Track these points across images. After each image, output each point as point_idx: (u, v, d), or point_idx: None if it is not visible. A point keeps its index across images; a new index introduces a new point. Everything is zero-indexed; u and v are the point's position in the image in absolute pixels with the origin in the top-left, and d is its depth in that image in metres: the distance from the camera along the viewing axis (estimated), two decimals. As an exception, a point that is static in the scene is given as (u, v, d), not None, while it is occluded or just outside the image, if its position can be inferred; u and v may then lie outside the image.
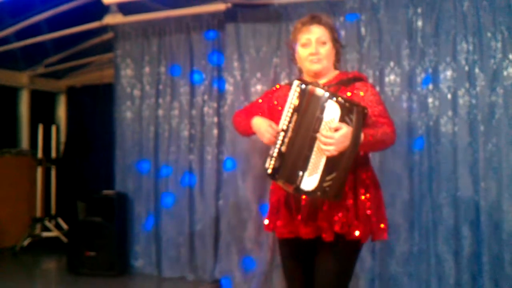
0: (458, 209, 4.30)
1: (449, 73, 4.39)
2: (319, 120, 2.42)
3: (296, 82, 2.55)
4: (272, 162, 2.54)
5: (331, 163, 2.42)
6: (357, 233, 2.59)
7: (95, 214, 5.60)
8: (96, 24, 5.72)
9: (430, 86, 4.45)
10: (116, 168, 5.80)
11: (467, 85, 4.33)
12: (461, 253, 4.28)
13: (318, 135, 2.42)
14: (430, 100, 4.45)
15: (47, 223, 6.94)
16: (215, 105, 5.40)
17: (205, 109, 5.44)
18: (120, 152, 5.79)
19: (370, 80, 4.64)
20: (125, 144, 5.75)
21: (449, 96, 4.39)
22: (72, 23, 5.87)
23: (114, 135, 5.86)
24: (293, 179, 2.49)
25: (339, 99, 2.42)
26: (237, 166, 5.05)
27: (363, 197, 2.65)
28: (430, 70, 4.46)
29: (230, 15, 5.15)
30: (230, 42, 5.14)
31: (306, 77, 2.84)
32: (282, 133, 2.54)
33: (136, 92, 5.71)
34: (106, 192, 5.68)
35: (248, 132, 2.87)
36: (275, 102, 2.86)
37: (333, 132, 2.39)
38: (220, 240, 5.21)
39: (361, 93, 2.66)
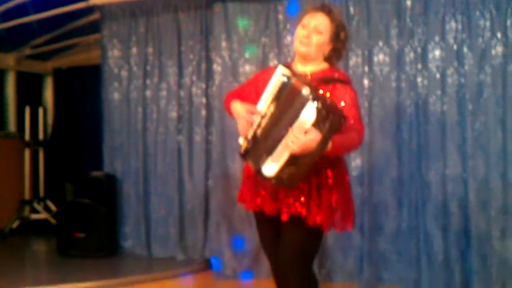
0: (446, 186, 4.34)
1: (437, 52, 4.40)
2: (296, 116, 2.45)
3: (280, 70, 2.58)
4: (245, 143, 2.67)
5: (293, 158, 2.48)
6: (318, 219, 2.69)
7: (84, 196, 5.58)
8: (83, 5, 5.68)
9: (419, 66, 4.46)
10: (105, 150, 5.78)
11: (455, 64, 4.35)
12: (450, 229, 4.32)
13: (289, 130, 2.47)
14: (419, 79, 4.46)
15: (35, 205, 6.92)
16: (203, 85, 5.39)
17: (193, 89, 5.43)
18: (108, 134, 5.76)
19: (359, 60, 4.65)
20: (113, 125, 5.72)
21: (437, 75, 4.40)
22: (58, 4, 5.82)
23: (102, 116, 5.83)
24: (258, 161, 2.59)
25: (319, 104, 2.42)
26: (226, 146, 5.05)
27: (328, 190, 2.74)
28: (419, 50, 4.47)
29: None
30: (218, 22, 5.11)
31: (296, 60, 2.89)
32: (259, 118, 2.61)
33: (124, 73, 5.68)
34: (95, 173, 5.66)
35: (231, 114, 2.92)
36: (262, 88, 2.83)
37: (302, 133, 2.43)
38: (209, 219, 5.22)
39: (340, 94, 2.72)
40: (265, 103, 2.61)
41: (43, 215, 6.83)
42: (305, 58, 2.83)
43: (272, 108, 2.57)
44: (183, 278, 5.00)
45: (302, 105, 2.43)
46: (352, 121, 2.64)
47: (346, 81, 2.80)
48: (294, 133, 2.44)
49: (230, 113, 2.95)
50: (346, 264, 4.67)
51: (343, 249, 4.68)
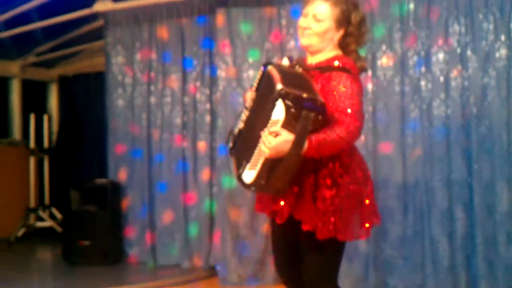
0: (451, 191, 4.31)
1: (441, 55, 4.38)
2: (268, 116, 2.28)
3: (270, 65, 2.50)
4: (231, 138, 2.61)
5: (269, 163, 2.30)
6: (309, 224, 2.45)
7: (89, 203, 5.60)
8: (87, 12, 5.70)
9: (423, 69, 4.44)
10: (109, 157, 5.78)
11: (459, 67, 4.32)
12: (455, 235, 4.29)
13: (261, 133, 2.29)
14: (422, 83, 4.44)
15: (41, 213, 6.94)
16: (207, 91, 5.38)
17: (198, 95, 5.42)
18: (113, 140, 5.76)
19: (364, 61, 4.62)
20: (118, 132, 5.72)
21: (441, 78, 4.38)
22: (62, 11, 5.85)
23: (106, 123, 5.83)
24: (239, 165, 2.47)
25: (288, 101, 2.22)
26: (230, 152, 5.03)
27: (325, 194, 2.44)
28: (422, 53, 4.45)
29: (221, 0, 5.11)
30: (221, 28, 5.11)
31: (306, 53, 2.70)
32: (244, 110, 2.55)
33: (128, 80, 5.68)
34: (100, 180, 5.67)
35: None
36: None
37: (273, 136, 2.24)
38: (214, 226, 5.20)
39: (334, 83, 2.45)
40: (250, 98, 2.55)
41: (48, 223, 6.85)
42: (309, 50, 2.63)
43: (251, 102, 2.50)
44: (188, 285, 4.97)
45: (273, 102, 2.26)
46: (337, 114, 2.36)
47: (344, 69, 2.48)
48: (266, 135, 2.26)
49: None
50: (351, 270, 4.63)
51: (349, 255, 4.64)
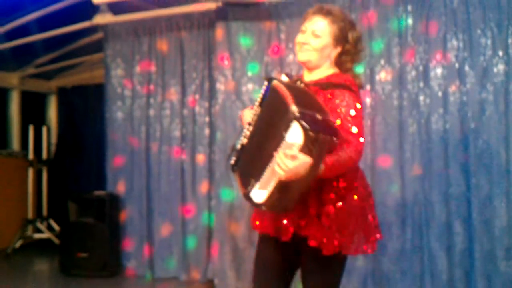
0: (450, 205, 4.32)
1: (439, 70, 4.40)
2: (282, 137, 2.22)
3: (280, 79, 2.48)
4: (234, 154, 2.52)
5: (283, 184, 2.27)
6: (312, 242, 2.45)
7: (87, 215, 5.59)
8: (86, 24, 5.71)
9: (421, 84, 4.46)
10: (108, 169, 5.78)
11: (457, 82, 4.35)
12: (454, 249, 4.29)
13: (275, 154, 2.23)
14: (421, 97, 4.46)
15: (38, 225, 6.91)
16: (206, 104, 5.39)
17: (197, 108, 5.43)
18: (111, 153, 5.76)
19: (361, 78, 4.64)
20: (117, 144, 5.72)
21: (439, 93, 4.40)
22: (62, 23, 5.86)
23: (105, 135, 5.84)
24: (246, 183, 2.39)
25: (304, 124, 2.17)
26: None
27: (329, 210, 2.46)
28: (420, 68, 4.47)
29: (221, 14, 5.14)
30: (221, 41, 5.13)
31: (304, 70, 2.71)
32: (247, 126, 2.49)
33: (127, 92, 5.69)
34: (98, 192, 5.66)
35: None
36: None
37: (289, 158, 2.18)
38: (212, 240, 5.20)
39: (337, 101, 2.46)
40: (252, 111, 2.48)
41: (46, 235, 6.83)
42: (307, 66, 2.64)
43: (254, 117, 2.45)
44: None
45: (288, 123, 2.20)
46: (344, 134, 2.37)
47: (346, 86, 2.50)
48: (281, 157, 2.20)
49: None
50: (350, 284, 4.62)
51: (347, 269, 4.61)
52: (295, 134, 2.19)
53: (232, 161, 2.54)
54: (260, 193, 2.32)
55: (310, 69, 2.64)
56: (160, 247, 5.47)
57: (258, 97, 2.47)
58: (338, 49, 2.60)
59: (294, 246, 2.55)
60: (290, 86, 2.44)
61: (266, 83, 2.47)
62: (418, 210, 4.42)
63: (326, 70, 2.62)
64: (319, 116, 2.27)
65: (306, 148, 2.18)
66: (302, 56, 2.61)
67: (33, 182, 7.16)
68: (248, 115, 2.57)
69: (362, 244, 2.53)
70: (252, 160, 2.43)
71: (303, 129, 2.17)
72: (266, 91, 2.46)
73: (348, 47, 2.60)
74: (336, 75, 2.59)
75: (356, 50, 2.63)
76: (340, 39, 2.58)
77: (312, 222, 2.46)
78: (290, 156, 2.18)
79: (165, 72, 5.55)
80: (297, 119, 2.18)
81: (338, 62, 2.62)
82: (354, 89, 2.51)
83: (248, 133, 2.48)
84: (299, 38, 2.62)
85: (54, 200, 7.34)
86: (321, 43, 2.56)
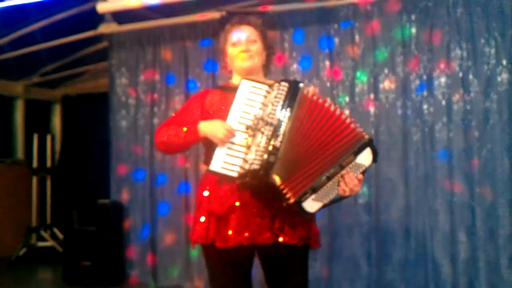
0: (454, 214, 4.31)
1: (443, 79, 4.41)
2: (350, 158, 2.38)
3: (299, 84, 2.45)
4: (265, 155, 2.29)
5: (338, 199, 2.41)
6: (280, 239, 2.48)
7: (91, 224, 5.58)
8: (91, 33, 5.73)
9: (425, 93, 4.47)
10: (112, 177, 5.78)
11: (461, 91, 4.35)
12: (458, 258, 4.29)
13: (344, 172, 2.37)
14: (425, 106, 4.47)
15: (42, 233, 6.93)
16: (210, 113, 5.39)
17: (200, 117, 5.43)
18: (115, 161, 5.77)
19: (365, 87, 4.67)
20: (121, 153, 5.73)
21: (443, 102, 4.41)
22: (67, 32, 5.88)
23: (109, 144, 5.85)
24: (298, 193, 2.31)
25: (376, 149, 2.42)
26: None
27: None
28: (424, 77, 4.48)
29: (225, 23, 5.12)
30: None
31: (236, 77, 2.71)
32: (267, 127, 2.33)
33: (131, 101, 5.70)
34: (102, 201, 5.66)
35: (188, 142, 2.57)
36: (210, 108, 2.65)
37: (357, 181, 2.38)
38: (216, 248, 5.19)
39: None
40: (274, 112, 2.36)
41: (49, 243, 6.84)
42: (251, 71, 2.65)
43: (287, 120, 2.34)
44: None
45: (359, 146, 2.38)
46: None
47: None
48: (352, 178, 2.37)
49: (174, 145, 2.62)
50: (353, 293, 4.63)
51: (351, 278, 4.63)
52: (365, 157, 2.39)
53: (263, 164, 2.30)
54: (313, 204, 2.37)
55: (251, 75, 2.64)
56: (163, 256, 5.47)
57: (280, 99, 2.39)
58: (265, 52, 2.73)
59: (274, 250, 2.53)
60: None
61: (286, 84, 2.43)
62: (422, 219, 4.42)
63: (258, 74, 2.72)
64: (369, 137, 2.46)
65: (365, 170, 2.41)
66: (248, 63, 2.66)
67: (37, 190, 7.17)
68: (219, 122, 2.44)
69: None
70: (292, 164, 2.34)
71: (373, 155, 2.41)
72: (290, 94, 2.40)
73: (269, 51, 2.76)
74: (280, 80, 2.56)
75: (274, 51, 2.83)
76: (266, 43, 2.73)
77: (294, 222, 2.50)
78: (359, 180, 2.38)
79: (169, 81, 5.56)
80: (371, 144, 2.40)
81: (265, 65, 2.76)
82: None
83: (279, 134, 2.33)
84: (236, 49, 2.66)
85: (57, 208, 7.35)
86: (259, 46, 2.69)
